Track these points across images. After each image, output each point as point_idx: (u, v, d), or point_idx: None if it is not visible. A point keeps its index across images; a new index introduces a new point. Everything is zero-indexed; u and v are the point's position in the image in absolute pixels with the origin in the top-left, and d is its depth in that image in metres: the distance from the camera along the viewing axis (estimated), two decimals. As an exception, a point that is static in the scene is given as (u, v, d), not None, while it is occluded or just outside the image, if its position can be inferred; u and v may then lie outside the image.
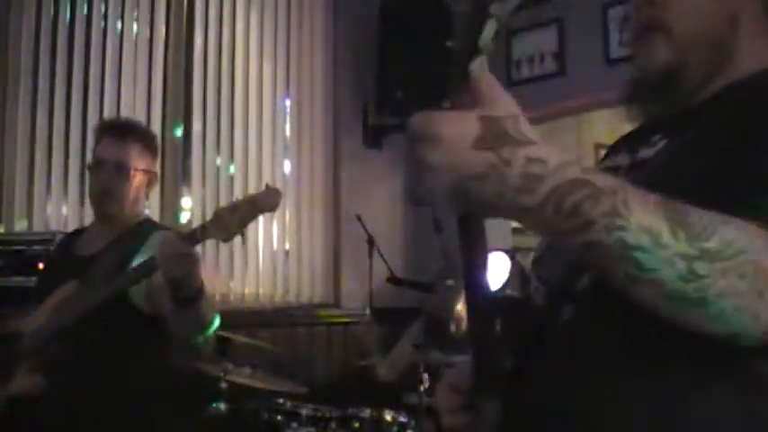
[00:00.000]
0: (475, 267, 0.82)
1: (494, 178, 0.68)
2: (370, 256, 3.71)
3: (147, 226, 2.26)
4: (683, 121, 0.94)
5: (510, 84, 3.93)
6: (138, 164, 2.22)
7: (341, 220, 4.10)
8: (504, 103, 0.71)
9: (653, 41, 0.96)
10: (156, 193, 3.44)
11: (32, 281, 2.51)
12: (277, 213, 3.89)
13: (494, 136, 0.69)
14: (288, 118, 4.03)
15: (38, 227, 3.15)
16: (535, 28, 3.84)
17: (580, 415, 0.82)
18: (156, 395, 2.17)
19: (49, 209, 3.22)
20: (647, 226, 0.67)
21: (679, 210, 0.69)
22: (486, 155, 0.68)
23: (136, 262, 2.05)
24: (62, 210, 3.25)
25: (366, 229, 3.69)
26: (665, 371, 0.78)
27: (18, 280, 2.65)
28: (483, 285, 0.83)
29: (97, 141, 2.28)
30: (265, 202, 1.89)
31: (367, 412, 2.66)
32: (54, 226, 3.16)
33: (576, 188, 0.68)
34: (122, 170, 2.19)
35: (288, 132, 4.02)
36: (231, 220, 1.87)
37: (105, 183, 2.20)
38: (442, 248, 3.02)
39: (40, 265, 2.59)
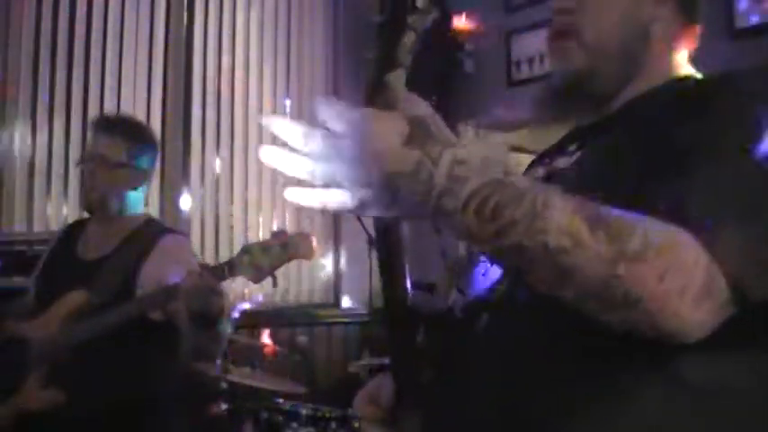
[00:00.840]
0: (394, 279, 0.82)
1: (423, 177, 0.68)
2: (370, 256, 3.71)
3: (152, 228, 2.21)
4: (595, 131, 0.96)
5: (510, 84, 3.93)
6: (122, 159, 2.16)
7: (341, 220, 4.10)
8: (423, 106, 0.72)
9: (566, 47, 0.98)
10: (156, 192, 3.45)
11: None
12: (277, 213, 3.90)
13: (422, 135, 0.69)
14: (288, 118, 4.02)
15: (38, 227, 3.14)
16: (535, 28, 3.83)
17: (499, 425, 0.82)
18: (166, 399, 2.15)
19: (49, 209, 3.22)
20: (566, 228, 0.67)
21: (599, 211, 0.69)
22: (415, 153, 0.68)
23: (146, 276, 2.01)
24: (62, 210, 3.25)
25: (366, 229, 3.68)
26: (580, 375, 0.78)
27: (18, 280, 2.64)
28: (402, 298, 0.84)
29: (91, 137, 2.26)
30: (299, 250, 1.85)
31: (367, 412, 2.65)
32: (54, 226, 3.15)
33: (496, 190, 0.68)
34: (102, 162, 2.14)
35: (288, 132, 4.01)
36: (263, 261, 1.83)
37: (86, 174, 2.17)
38: (442, 249, 3.02)
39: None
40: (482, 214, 0.67)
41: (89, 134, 2.36)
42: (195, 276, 1.84)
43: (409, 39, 0.71)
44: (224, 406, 2.68)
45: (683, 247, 0.69)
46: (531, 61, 3.91)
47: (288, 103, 4.04)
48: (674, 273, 0.68)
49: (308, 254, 1.87)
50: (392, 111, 0.71)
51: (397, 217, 0.76)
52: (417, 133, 0.69)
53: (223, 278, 1.86)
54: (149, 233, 2.17)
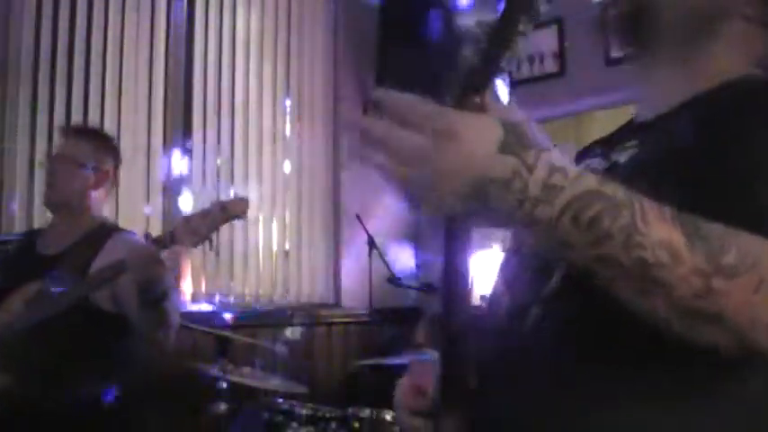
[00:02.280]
0: (456, 277, 0.81)
1: (517, 185, 0.66)
2: (370, 256, 3.71)
3: (106, 228, 2.33)
4: (654, 128, 0.92)
5: (510, 84, 3.93)
6: (86, 160, 2.29)
7: (341, 220, 4.10)
8: (516, 110, 0.70)
9: None
10: (157, 193, 3.45)
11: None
12: (277, 213, 3.90)
13: (517, 140, 0.67)
14: (288, 118, 4.03)
15: (38, 227, 3.14)
16: (535, 28, 3.84)
17: (542, 427, 0.81)
18: (123, 391, 2.19)
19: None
20: (666, 242, 0.66)
21: (695, 223, 0.68)
22: (510, 159, 0.66)
23: (99, 265, 2.10)
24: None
25: (366, 229, 3.69)
26: (633, 380, 0.76)
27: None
28: (461, 298, 0.82)
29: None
30: (234, 208, 1.99)
31: (367, 412, 2.65)
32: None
33: (594, 200, 0.66)
34: (65, 162, 2.28)
35: (288, 132, 4.02)
36: (200, 226, 1.93)
37: (49, 174, 2.30)
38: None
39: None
40: (578, 224, 0.66)
41: (58, 138, 2.56)
42: (138, 248, 1.94)
43: (521, 44, 0.69)
44: (224, 406, 2.68)
45: None
46: (531, 61, 3.91)
47: (288, 103, 4.04)
48: (767, 286, 0.66)
49: (242, 212, 2.01)
50: (481, 108, 0.69)
51: (477, 223, 0.74)
52: (512, 139, 0.67)
53: (165, 246, 1.93)
54: (103, 232, 2.28)
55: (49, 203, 2.35)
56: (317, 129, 4.10)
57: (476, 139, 0.66)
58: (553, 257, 0.84)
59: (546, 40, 3.85)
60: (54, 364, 2.05)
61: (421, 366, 1.03)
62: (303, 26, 4.10)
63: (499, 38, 0.69)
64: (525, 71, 3.93)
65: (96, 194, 2.33)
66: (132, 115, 3.41)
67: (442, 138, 0.66)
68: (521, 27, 0.68)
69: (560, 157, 0.68)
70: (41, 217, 3.18)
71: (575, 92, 3.73)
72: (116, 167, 2.40)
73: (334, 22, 4.20)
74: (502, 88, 0.70)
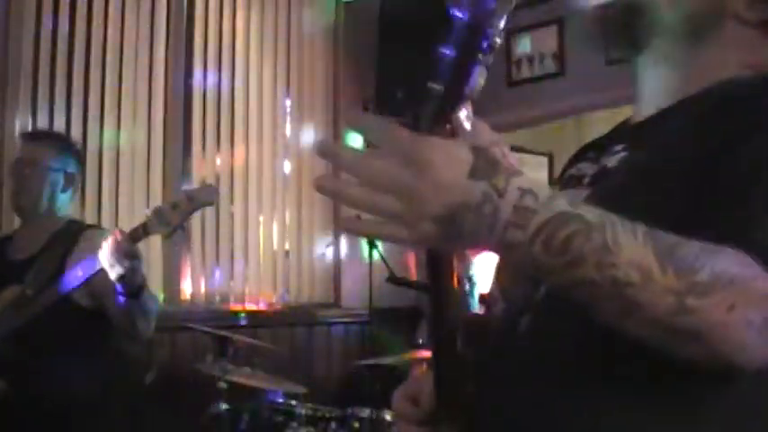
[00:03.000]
0: (443, 297, 0.81)
1: (488, 209, 0.66)
2: (370, 256, 3.71)
3: (75, 226, 2.36)
4: (643, 131, 0.93)
5: (510, 84, 3.93)
6: (52, 163, 2.32)
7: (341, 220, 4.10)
8: (486, 134, 0.70)
9: None
10: (157, 192, 3.45)
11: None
12: (277, 213, 3.90)
13: (486, 165, 0.67)
14: (288, 118, 4.03)
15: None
16: (535, 28, 3.84)
17: (539, 428, 0.82)
18: (106, 385, 2.23)
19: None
20: (637, 262, 0.66)
21: (667, 242, 0.68)
22: (480, 184, 0.66)
23: (73, 261, 2.13)
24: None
25: (366, 229, 3.68)
26: (623, 386, 0.77)
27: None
28: (449, 319, 0.82)
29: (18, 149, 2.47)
30: (203, 197, 2.02)
31: (367, 412, 2.66)
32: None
33: (565, 223, 0.66)
34: (33, 166, 2.30)
35: (288, 132, 4.02)
36: (172, 216, 1.98)
37: (18, 179, 2.33)
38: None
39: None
40: (550, 248, 0.66)
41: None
42: (113, 241, 1.96)
43: (482, 74, 0.69)
44: (224, 406, 2.68)
45: (752, 280, 0.68)
46: (531, 61, 3.91)
47: (288, 103, 4.04)
48: (742, 305, 0.67)
49: (211, 200, 2.06)
50: (452, 133, 0.69)
51: (454, 249, 0.74)
52: (482, 164, 0.67)
53: (138, 239, 1.99)
54: (73, 230, 2.32)
55: (19, 208, 2.37)
56: (316, 129, 4.10)
57: (446, 165, 0.66)
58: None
59: (546, 41, 3.85)
60: (41, 364, 2.08)
61: (417, 375, 1.04)
62: (303, 26, 4.10)
63: (462, 66, 0.69)
64: (525, 71, 3.93)
65: (65, 197, 2.36)
66: (132, 115, 3.41)
67: (413, 165, 0.66)
68: (480, 57, 0.68)
69: (531, 180, 0.68)
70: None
71: (575, 92, 3.73)
72: (79, 168, 2.43)
73: (334, 22, 4.20)
74: (468, 114, 0.70)
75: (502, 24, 0.67)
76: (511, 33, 3.92)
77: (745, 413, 0.77)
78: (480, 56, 0.68)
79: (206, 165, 3.66)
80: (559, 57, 3.82)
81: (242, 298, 3.73)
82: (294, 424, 2.65)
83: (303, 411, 2.67)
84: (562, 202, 0.67)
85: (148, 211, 2.07)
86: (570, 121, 4.43)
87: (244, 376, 2.78)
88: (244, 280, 3.74)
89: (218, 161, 3.72)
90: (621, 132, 0.99)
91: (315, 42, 4.14)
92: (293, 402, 2.74)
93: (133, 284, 2.01)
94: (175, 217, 1.99)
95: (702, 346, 0.68)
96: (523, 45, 3.91)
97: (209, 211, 3.64)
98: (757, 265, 0.68)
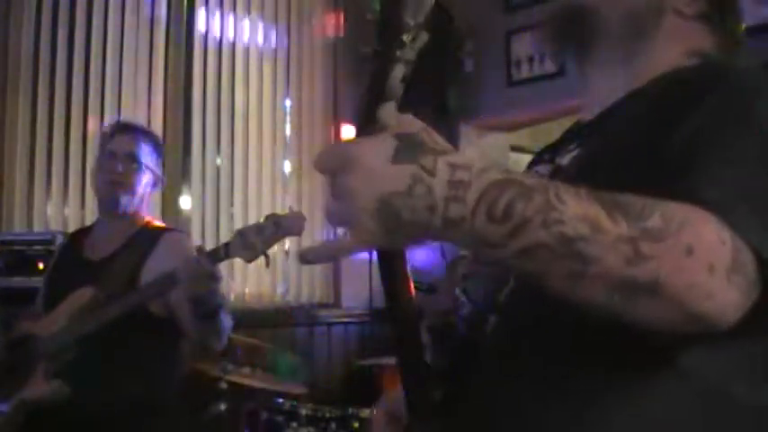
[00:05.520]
0: (399, 298, 0.81)
1: (420, 190, 0.64)
2: (370, 255, 3.71)
3: (155, 228, 2.27)
4: (596, 126, 0.94)
5: (510, 84, 3.93)
6: (148, 161, 2.24)
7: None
8: (413, 122, 0.68)
9: None
10: (156, 192, 3.44)
11: (32, 281, 2.52)
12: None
13: (411, 147, 0.65)
14: (288, 118, 4.03)
15: (38, 227, 3.14)
16: (535, 28, 3.84)
17: (510, 429, 0.82)
18: (170, 396, 2.18)
19: (50, 209, 3.22)
20: (583, 214, 0.64)
21: (612, 196, 0.66)
22: (407, 167, 0.64)
23: (150, 271, 2.06)
24: (63, 210, 3.25)
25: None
26: (592, 380, 0.77)
27: (18, 280, 2.65)
28: (409, 319, 0.82)
29: (109, 138, 2.29)
30: (291, 225, 1.88)
31: (367, 412, 2.65)
32: (54, 226, 3.15)
33: (505, 188, 0.64)
34: (135, 161, 2.21)
35: (288, 132, 4.02)
36: (256, 241, 1.86)
37: (118, 172, 2.20)
38: (441, 249, 3.02)
39: (40, 265, 2.59)
40: (494, 216, 0.64)
41: (93, 138, 2.43)
42: (193, 261, 1.87)
43: (399, 71, 0.67)
44: (224, 406, 2.68)
45: (705, 224, 0.65)
46: (531, 61, 3.91)
47: (288, 103, 4.04)
48: (699, 248, 0.64)
49: (299, 231, 1.90)
50: (380, 129, 0.68)
51: (400, 243, 0.72)
52: (406, 145, 0.65)
53: (220, 260, 1.89)
54: (152, 232, 2.23)
55: (115, 204, 2.21)
56: (316, 129, 4.10)
57: (369, 157, 0.65)
58: (486, 262, 0.84)
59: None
60: (108, 371, 2.03)
61: (393, 394, 1.05)
62: (303, 27, 4.10)
63: (380, 63, 0.68)
64: (525, 71, 3.93)
65: (148, 196, 2.29)
66: (132, 116, 3.40)
67: (341, 168, 0.66)
68: (396, 52, 0.67)
69: (462, 155, 0.67)
70: (41, 217, 3.18)
71: (575, 92, 3.72)
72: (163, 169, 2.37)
73: (334, 23, 4.20)
74: (391, 110, 0.68)
75: (420, 19, 0.66)
76: (511, 33, 3.92)
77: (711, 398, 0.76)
78: (398, 52, 0.66)
79: (206, 165, 3.66)
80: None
81: (242, 298, 3.73)
82: (294, 424, 2.65)
83: (303, 411, 2.67)
84: (495, 171, 0.66)
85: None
86: (570, 120, 4.43)
87: (244, 376, 2.78)
88: (244, 280, 3.74)
89: (218, 161, 3.72)
90: (575, 132, 1.01)
91: (315, 42, 4.14)
92: (293, 402, 2.74)
93: (210, 306, 1.92)
94: (259, 243, 1.86)
95: (662, 301, 0.64)
96: (523, 45, 3.91)
97: (210, 211, 3.64)
98: (706, 212, 0.66)
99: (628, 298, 0.65)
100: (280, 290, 3.89)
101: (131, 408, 2.03)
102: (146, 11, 3.49)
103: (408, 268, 0.81)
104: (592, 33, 0.95)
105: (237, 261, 3.64)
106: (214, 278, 1.88)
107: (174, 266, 1.90)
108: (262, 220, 1.92)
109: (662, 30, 0.94)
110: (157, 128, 3.45)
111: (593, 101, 0.99)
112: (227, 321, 2.03)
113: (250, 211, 3.79)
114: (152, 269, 2.09)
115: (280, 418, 2.67)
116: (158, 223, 2.36)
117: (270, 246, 1.88)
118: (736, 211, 0.67)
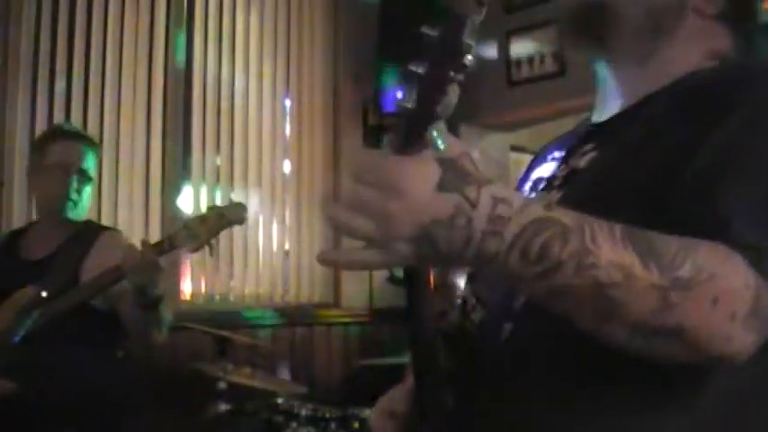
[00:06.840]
0: (421, 312, 0.82)
1: (461, 221, 0.64)
2: (370, 256, 3.70)
3: (91, 227, 2.34)
4: (612, 129, 0.92)
5: (510, 84, 3.93)
6: (92, 171, 2.32)
7: (341, 220, 4.09)
8: (455, 144, 0.68)
9: None
10: (156, 193, 3.45)
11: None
12: (277, 213, 3.90)
13: (456, 177, 0.65)
14: (288, 118, 4.03)
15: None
16: (535, 28, 3.84)
17: None
18: (117, 386, 2.23)
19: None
20: (618, 261, 0.65)
21: (647, 239, 0.67)
22: (451, 197, 0.64)
23: (89, 269, 2.12)
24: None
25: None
26: (609, 391, 0.77)
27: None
28: (428, 326, 0.83)
29: (48, 144, 2.32)
30: (233, 215, 1.98)
31: (367, 412, 2.65)
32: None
33: (543, 228, 0.65)
34: (84, 175, 2.27)
35: (288, 132, 4.02)
36: (201, 231, 1.95)
37: (67, 186, 2.25)
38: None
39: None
40: (528, 256, 0.64)
41: (43, 138, 2.45)
42: (136, 252, 1.94)
43: (454, 93, 0.66)
44: (224, 406, 2.68)
45: (732, 269, 0.67)
46: (531, 61, 3.91)
47: (288, 103, 4.04)
48: (725, 298, 0.66)
49: (240, 219, 2.00)
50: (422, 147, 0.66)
51: (433, 266, 0.73)
52: (450, 176, 0.65)
53: (164, 252, 1.96)
54: (90, 231, 2.29)
55: (46, 209, 2.32)
56: (316, 129, 4.10)
57: (413, 181, 0.64)
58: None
59: (546, 40, 3.85)
60: (53, 366, 2.07)
61: (393, 390, 1.04)
62: (303, 26, 4.10)
63: (433, 84, 0.67)
64: (525, 71, 3.92)
65: (86, 198, 2.33)
66: (131, 115, 3.41)
67: (383, 187, 0.65)
68: (451, 73, 0.66)
69: (503, 188, 0.67)
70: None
71: (575, 92, 3.72)
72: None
73: (333, 22, 4.20)
74: (441, 131, 0.67)
75: (473, 41, 0.65)
76: (511, 33, 3.92)
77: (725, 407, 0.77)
78: (452, 74, 0.66)
79: (206, 165, 3.66)
80: (559, 57, 3.82)
81: (242, 298, 3.73)
82: (294, 424, 2.65)
83: (303, 411, 2.67)
84: (537, 208, 0.66)
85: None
86: (570, 121, 4.43)
87: (244, 376, 2.78)
88: (244, 280, 3.74)
89: (218, 161, 3.72)
90: (588, 132, 0.99)
91: (315, 42, 4.14)
92: (293, 402, 2.74)
93: (151, 297, 1.99)
94: (204, 232, 1.95)
95: (683, 344, 0.67)
96: (523, 45, 3.91)
97: (209, 211, 3.63)
98: (735, 255, 0.67)
99: (650, 339, 0.67)
100: (280, 290, 3.88)
101: (79, 401, 2.07)
102: (145, 9, 3.49)
103: (432, 276, 0.81)
104: (609, 30, 0.93)
105: (237, 261, 3.68)
106: (157, 268, 1.94)
107: (118, 260, 1.96)
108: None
109: (681, 29, 0.92)
110: (157, 128, 3.46)
111: (608, 100, 0.97)
112: (167, 313, 2.10)
113: (250, 210, 3.77)
114: (91, 268, 2.15)
115: (280, 418, 2.67)
116: (94, 223, 2.43)
117: (214, 235, 1.98)
118: (763, 245, 0.68)
